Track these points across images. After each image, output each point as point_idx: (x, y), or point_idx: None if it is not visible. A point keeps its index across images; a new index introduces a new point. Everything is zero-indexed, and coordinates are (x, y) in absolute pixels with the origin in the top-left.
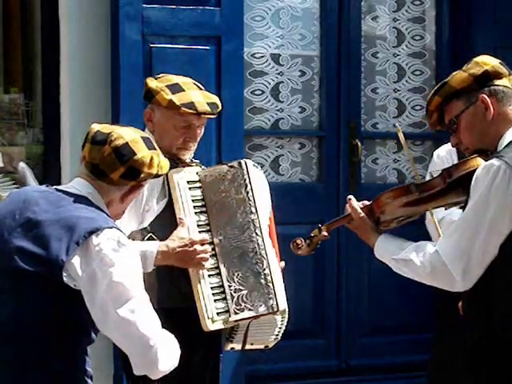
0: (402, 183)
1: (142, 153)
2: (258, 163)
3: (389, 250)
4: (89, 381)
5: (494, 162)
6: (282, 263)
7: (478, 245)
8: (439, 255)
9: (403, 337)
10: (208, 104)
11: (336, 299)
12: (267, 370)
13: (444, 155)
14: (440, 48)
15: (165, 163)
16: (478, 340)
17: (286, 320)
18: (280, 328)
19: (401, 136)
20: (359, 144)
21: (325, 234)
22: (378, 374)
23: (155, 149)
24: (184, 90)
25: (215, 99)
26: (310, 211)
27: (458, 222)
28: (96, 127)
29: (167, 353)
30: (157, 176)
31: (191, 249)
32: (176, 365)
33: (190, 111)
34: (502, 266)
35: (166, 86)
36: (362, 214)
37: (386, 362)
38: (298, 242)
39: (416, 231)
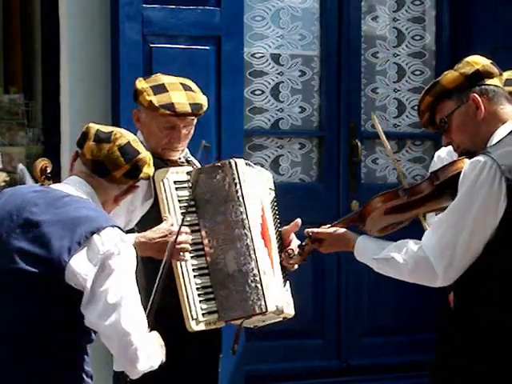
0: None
1: (144, 153)
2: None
3: (369, 250)
4: (89, 380)
5: (480, 158)
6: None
7: (462, 239)
8: (423, 251)
9: (403, 337)
10: (190, 105)
11: (336, 299)
12: (267, 369)
13: (444, 156)
14: (440, 48)
15: (153, 166)
16: (475, 339)
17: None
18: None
19: (378, 127)
20: (359, 144)
21: None
22: (378, 374)
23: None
24: (167, 91)
25: (200, 100)
26: (310, 211)
27: (443, 217)
28: (95, 126)
29: (147, 353)
30: (149, 177)
31: (171, 239)
32: (155, 367)
33: (168, 112)
34: (492, 261)
35: (151, 87)
36: (329, 229)
37: (386, 361)
38: (290, 251)
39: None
